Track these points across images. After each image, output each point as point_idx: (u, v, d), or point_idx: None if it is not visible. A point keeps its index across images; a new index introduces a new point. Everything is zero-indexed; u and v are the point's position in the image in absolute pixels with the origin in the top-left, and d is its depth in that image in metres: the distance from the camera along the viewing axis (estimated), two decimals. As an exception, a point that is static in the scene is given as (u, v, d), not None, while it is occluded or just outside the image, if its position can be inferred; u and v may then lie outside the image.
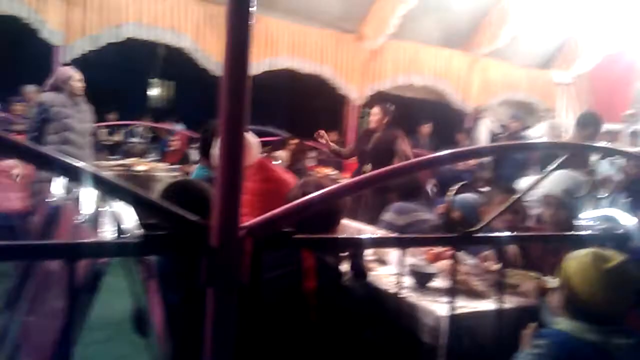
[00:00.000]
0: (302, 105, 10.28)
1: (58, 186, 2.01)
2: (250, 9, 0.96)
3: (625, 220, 1.82)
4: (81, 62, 6.28)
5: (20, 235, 3.95)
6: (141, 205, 0.95)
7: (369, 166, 4.90)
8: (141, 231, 0.96)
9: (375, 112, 5.18)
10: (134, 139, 8.60)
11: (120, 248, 1.03)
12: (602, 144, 4.72)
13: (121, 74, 10.42)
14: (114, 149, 8.14)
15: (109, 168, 5.81)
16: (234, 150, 1.00)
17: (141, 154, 7.45)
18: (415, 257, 2.38)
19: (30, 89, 6.84)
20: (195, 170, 3.25)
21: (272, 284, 1.58)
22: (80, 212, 1.64)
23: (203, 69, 6.89)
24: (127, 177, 5.60)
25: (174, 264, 1.37)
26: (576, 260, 1.53)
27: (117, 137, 8.79)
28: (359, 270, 2.00)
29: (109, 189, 0.92)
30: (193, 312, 1.07)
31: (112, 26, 6.38)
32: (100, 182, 0.89)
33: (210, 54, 6.80)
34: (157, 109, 11.79)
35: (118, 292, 1.58)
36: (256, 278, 1.05)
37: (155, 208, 0.96)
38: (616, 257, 1.49)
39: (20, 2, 5.84)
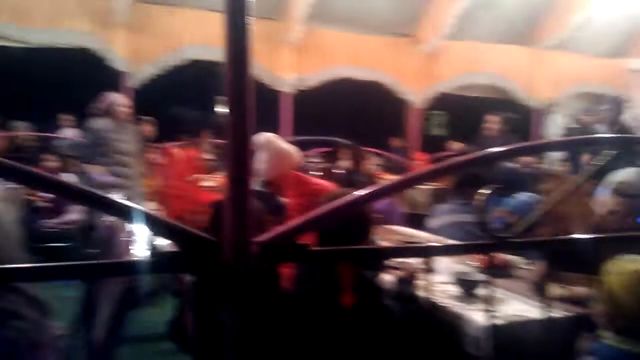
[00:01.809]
0: (362, 113, 10.27)
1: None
2: (246, 15, 0.97)
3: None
4: (149, 86, 6.64)
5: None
6: (151, 224, 0.99)
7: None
8: (165, 249, 1.01)
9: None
10: (208, 156, 8.89)
11: (136, 266, 1.07)
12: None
13: (187, 94, 10.82)
14: (180, 168, 8.44)
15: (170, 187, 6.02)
16: (240, 162, 1.01)
17: (211, 170, 7.70)
18: (465, 263, 2.31)
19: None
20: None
21: (309, 297, 1.58)
22: (126, 231, 1.73)
23: (261, 83, 7.07)
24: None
25: (198, 281, 1.41)
26: (619, 274, 1.43)
27: (180, 156, 9.12)
28: (405, 291, 1.94)
29: (121, 212, 0.97)
30: (214, 328, 1.09)
31: (175, 50, 6.69)
32: (111, 207, 0.94)
33: (266, 69, 6.97)
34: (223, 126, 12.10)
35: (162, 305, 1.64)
36: (271, 293, 1.06)
37: (164, 226, 0.99)
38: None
39: (90, 35, 6.26)
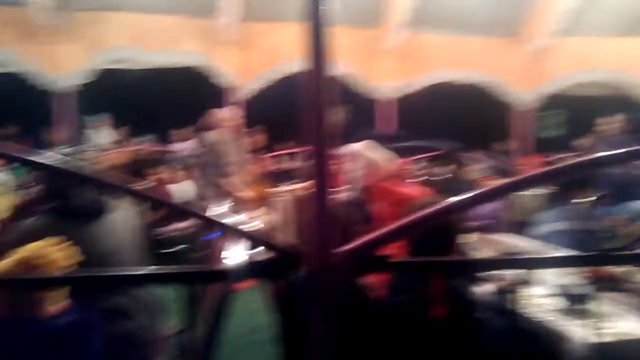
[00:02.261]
0: (465, 117, 9.96)
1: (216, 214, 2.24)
2: (326, 24, 0.99)
3: None
4: (257, 99, 6.95)
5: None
6: (241, 235, 1.04)
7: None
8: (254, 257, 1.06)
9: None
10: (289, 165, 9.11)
11: (234, 273, 1.13)
12: None
13: (289, 106, 11.18)
14: (286, 176, 8.72)
15: (284, 193, 6.24)
16: (321, 172, 1.02)
17: (290, 178, 7.86)
18: (571, 274, 2.15)
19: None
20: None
21: (400, 309, 1.56)
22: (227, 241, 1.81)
23: (360, 91, 7.13)
24: (293, 200, 5.96)
25: (289, 287, 1.45)
26: None
27: (295, 163, 9.41)
28: (502, 304, 1.85)
29: (210, 222, 1.03)
30: (303, 335, 1.12)
31: (278, 64, 6.94)
32: (200, 217, 1.00)
33: (365, 77, 7.02)
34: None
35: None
36: (355, 301, 1.06)
37: (249, 235, 1.04)
38: None
39: (200, 54, 6.69)
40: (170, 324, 2.39)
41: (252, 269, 1.06)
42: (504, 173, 7.06)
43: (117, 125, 8.13)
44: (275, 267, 1.04)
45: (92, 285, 1.37)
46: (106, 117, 7.85)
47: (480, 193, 1.21)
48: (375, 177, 2.25)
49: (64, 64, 6.47)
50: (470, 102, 8.86)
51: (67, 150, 2.85)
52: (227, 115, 5.01)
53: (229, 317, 1.50)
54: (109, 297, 2.02)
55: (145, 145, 7.95)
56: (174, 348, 2.26)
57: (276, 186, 7.13)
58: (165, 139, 8.24)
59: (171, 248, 5.52)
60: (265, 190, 5.79)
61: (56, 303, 1.41)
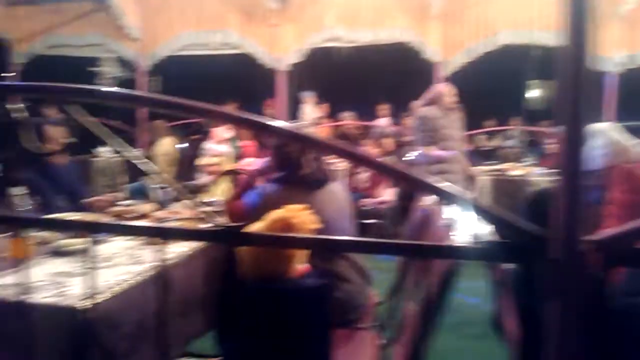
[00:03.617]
0: None
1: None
2: None
3: None
4: (459, 75, 6.78)
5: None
6: (480, 213, 1.02)
7: None
8: (488, 237, 1.04)
9: None
10: (509, 144, 8.67)
11: (466, 252, 1.12)
12: None
13: (497, 81, 10.66)
14: (491, 155, 8.40)
15: (485, 173, 6.04)
16: (574, 153, 0.96)
17: (517, 159, 7.46)
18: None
19: (415, 104, 7.72)
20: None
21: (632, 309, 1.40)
22: (444, 216, 1.82)
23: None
24: (502, 182, 5.73)
25: (521, 272, 1.39)
26: None
27: (494, 143, 9.03)
28: None
29: (447, 197, 1.03)
30: (538, 323, 1.08)
31: (487, 36, 6.64)
32: (436, 192, 1.01)
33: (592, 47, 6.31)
34: (534, 112, 11.55)
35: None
36: (601, 296, 0.98)
37: (491, 216, 1.01)
38: None
39: (406, 29, 6.71)
40: (379, 291, 2.50)
41: (489, 250, 1.04)
42: None
43: (324, 101, 8.64)
44: (518, 251, 1.00)
45: (331, 248, 1.49)
46: (313, 94, 8.40)
47: None
48: (617, 159, 2.03)
49: (284, 44, 7.03)
50: None
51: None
52: (442, 91, 4.97)
53: (451, 294, 1.51)
54: (332, 261, 2.18)
55: (350, 120, 8.31)
56: (380, 315, 2.36)
57: (484, 164, 6.91)
58: (371, 115, 8.51)
59: (373, 219, 5.75)
60: (471, 169, 5.64)
61: (301, 264, 1.56)
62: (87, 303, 1.37)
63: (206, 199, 4.46)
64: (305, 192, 2.32)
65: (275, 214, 1.42)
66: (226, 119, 1.22)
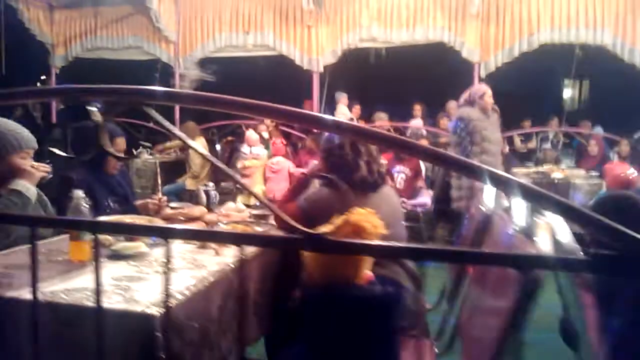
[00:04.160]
0: None
1: (489, 196, 2.19)
2: None
3: None
4: (496, 75, 6.65)
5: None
6: (574, 218, 0.95)
7: None
8: (580, 247, 0.97)
9: None
10: (546, 145, 8.48)
11: (561, 263, 1.06)
12: None
13: (534, 80, 10.47)
14: (526, 156, 8.23)
15: (525, 176, 5.91)
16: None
17: (555, 161, 7.29)
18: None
19: (451, 104, 7.60)
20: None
21: None
22: (512, 222, 1.75)
23: (625, 64, 6.27)
24: (543, 185, 5.59)
25: (617, 285, 1.31)
26: None
27: (530, 144, 8.84)
28: None
29: (538, 200, 0.96)
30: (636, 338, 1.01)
31: (525, 36, 6.51)
32: (529, 193, 0.94)
33: (635, 46, 6.12)
34: (572, 112, 11.30)
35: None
36: None
37: (591, 221, 0.94)
38: None
39: (443, 28, 6.61)
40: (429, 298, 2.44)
41: (591, 262, 0.97)
42: None
43: (358, 101, 8.58)
44: (631, 264, 0.94)
45: (398, 254, 1.45)
46: (346, 94, 8.35)
47: None
48: None
49: (319, 45, 7.00)
50: None
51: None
52: (481, 91, 4.87)
53: (534, 306, 1.44)
54: (388, 267, 2.14)
55: (384, 121, 8.24)
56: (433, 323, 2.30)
57: (521, 167, 6.78)
58: (406, 116, 8.42)
59: (411, 223, 5.66)
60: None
61: (368, 270, 1.52)
62: (159, 309, 1.35)
63: (243, 201, 4.47)
64: (359, 195, 2.28)
65: (344, 218, 1.38)
66: (309, 121, 1.18)
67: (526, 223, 1.61)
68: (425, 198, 5.81)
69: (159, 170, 6.27)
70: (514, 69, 7.05)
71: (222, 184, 5.70)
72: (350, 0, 6.85)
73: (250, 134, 6.53)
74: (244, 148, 6.51)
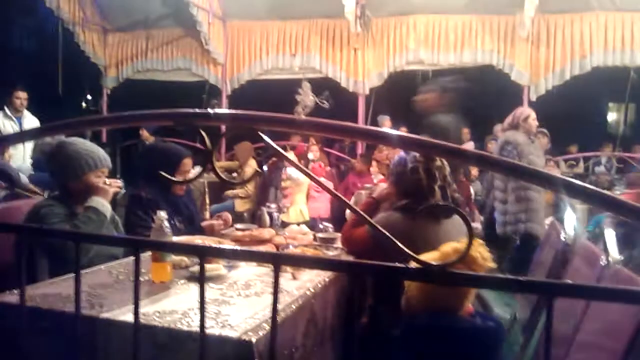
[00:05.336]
0: None
1: (569, 223, 2.12)
2: None
3: None
4: (546, 97, 6.53)
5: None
6: None
7: None
8: None
9: None
10: (599, 170, 8.25)
11: None
12: None
13: (581, 105, 10.25)
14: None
15: (575, 202, 5.74)
16: None
17: (608, 185, 7.07)
18: None
19: (498, 128, 7.49)
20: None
21: None
22: (604, 252, 1.68)
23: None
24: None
25: None
26: None
27: (577, 169, 8.61)
28: None
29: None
30: None
31: (577, 58, 6.39)
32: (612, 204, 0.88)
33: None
34: (625, 137, 11.00)
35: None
36: None
37: None
38: None
39: (492, 51, 6.55)
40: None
41: None
42: None
43: (403, 124, 8.53)
44: None
45: (518, 289, 1.39)
46: (389, 117, 8.31)
47: None
48: None
49: (365, 67, 7.02)
50: None
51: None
52: (526, 114, 4.76)
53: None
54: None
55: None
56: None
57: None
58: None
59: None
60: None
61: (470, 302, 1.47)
62: (255, 335, 1.34)
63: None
64: (432, 221, 2.24)
65: (453, 247, 1.35)
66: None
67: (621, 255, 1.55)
68: (476, 223, 5.70)
69: (207, 190, 6.35)
70: (564, 92, 6.91)
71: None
72: (398, 23, 6.86)
73: (291, 155, 6.56)
74: (288, 167, 6.53)
